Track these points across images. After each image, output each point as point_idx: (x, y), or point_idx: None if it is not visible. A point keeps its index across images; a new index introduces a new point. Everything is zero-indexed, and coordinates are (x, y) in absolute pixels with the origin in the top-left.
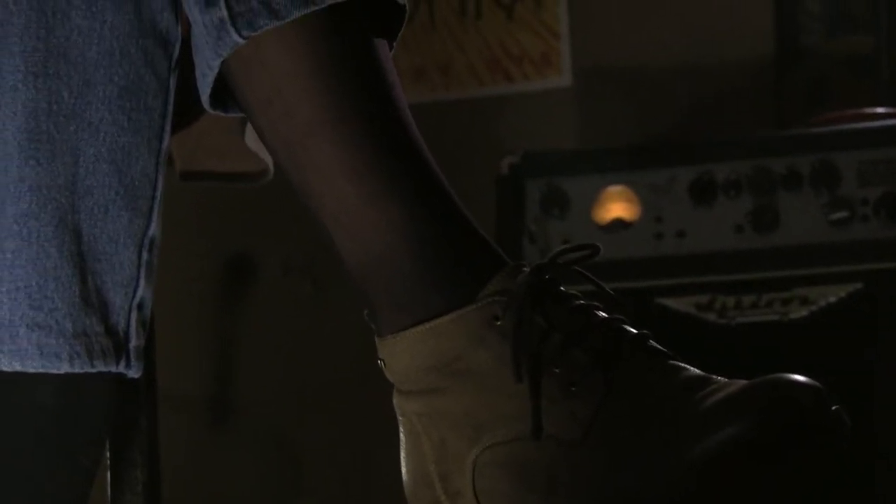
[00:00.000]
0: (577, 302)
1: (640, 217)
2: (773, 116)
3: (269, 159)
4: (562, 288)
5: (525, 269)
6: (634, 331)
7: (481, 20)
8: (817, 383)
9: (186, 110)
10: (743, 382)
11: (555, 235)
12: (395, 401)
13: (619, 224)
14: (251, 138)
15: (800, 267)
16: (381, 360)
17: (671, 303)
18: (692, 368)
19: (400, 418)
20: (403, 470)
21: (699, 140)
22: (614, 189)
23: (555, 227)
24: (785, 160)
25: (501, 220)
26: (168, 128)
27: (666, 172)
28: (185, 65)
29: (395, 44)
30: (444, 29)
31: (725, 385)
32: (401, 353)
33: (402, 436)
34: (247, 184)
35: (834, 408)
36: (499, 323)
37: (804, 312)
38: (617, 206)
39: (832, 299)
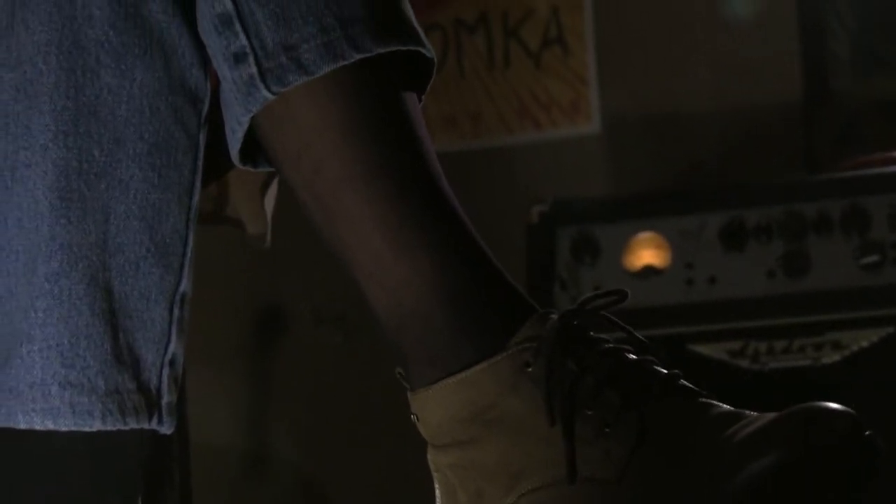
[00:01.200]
0: (607, 345)
1: (671, 263)
2: (802, 160)
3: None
4: (591, 333)
5: (554, 315)
6: (665, 371)
7: (510, 68)
8: (850, 409)
9: (215, 165)
10: (775, 414)
11: (586, 283)
12: (429, 456)
13: (649, 271)
14: (269, 199)
15: (831, 311)
16: (413, 415)
17: (703, 349)
18: (724, 405)
19: (434, 474)
20: None
21: (729, 185)
22: (645, 235)
23: (586, 274)
24: (815, 204)
25: (532, 268)
26: (198, 184)
27: (696, 218)
28: (214, 119)
29: (423, 96)
30: (474, 77)
31: (758, 417)
32: (434, 407)
33: (437, 492)
34: (245, 237)
35: (867, 433)
36: (530, 369)
37: (836, 357)
38: (647, 253)
39: (864, 344)
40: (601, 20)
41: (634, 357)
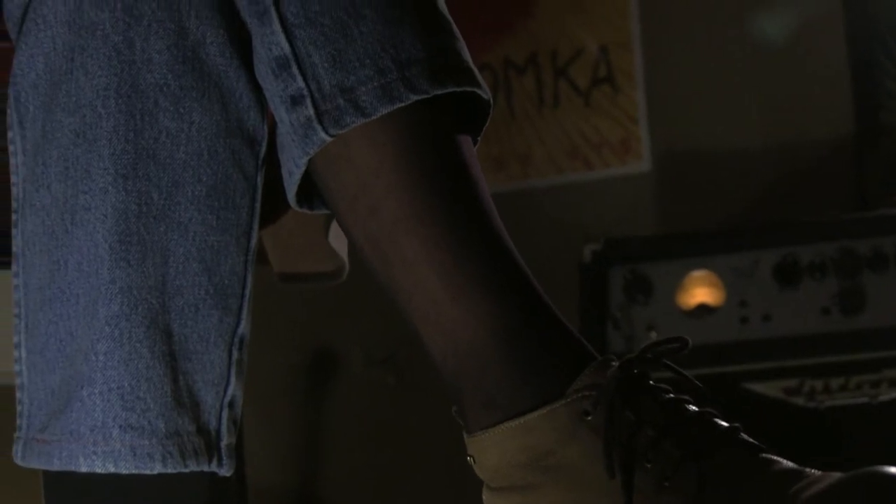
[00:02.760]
0: (667, 395)
1: (725, 301)
2: (855, 196)
3: (345, 255)
4: (651, 381)
5: (613, 363)
6: (726, 424)
7: (559, 108)
8: None
9: (273, 207)
10: (838, 475)
11: (639, 322)
12: (484, 497)
13: (703, 309)
14: (333, 236)
15: (888, 348)
16: (470, 456)
17: (759, 387)
18: (785, 461)
19: None
20: None
21: (781, 222)
22: (698, 274)
23: (639, 313)
24: (870, 241)
25: (585, 307)
26: (256, 226)
27: (749, 256)
28: (271, 161)
29: (479, 138)
30: (523, 118)
31: (820, 478)
32: (490, 450)
33: None
34: (325, 283)
35: None
36: (589, 418)
37: (894, 395)
38: (701, 291)
39: None
40: (650, 59)
41: (695, 409)
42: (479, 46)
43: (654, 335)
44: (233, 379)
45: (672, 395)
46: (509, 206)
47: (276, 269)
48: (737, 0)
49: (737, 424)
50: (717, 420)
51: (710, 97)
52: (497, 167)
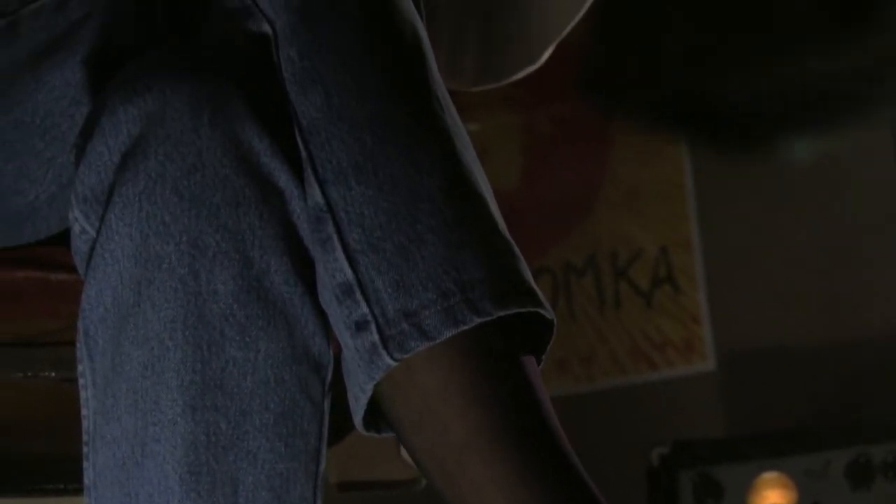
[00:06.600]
0: None
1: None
2: None
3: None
4: None
5: None
6: None
7: (621, 309)
8: None
9: (338, 428)
10: None
11: None
12: None
13: None
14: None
15: None
16: None
17: None
18: None
19: None
20: None
21: (852, 421)
22: (769, 476)
23: None
24: None
25: None
26: (324, 450)
27: (820, 456)
28: (336, 384)
29: (543, 358)
30: (585, 320)
31: None
32: None
33: None
34: (400, 490)
35: None
36: None
37: None
38: (773, 494)
39: None
40: (710, 258)
41: None
42: (537, 250)
43: None
44: None
45: None
46: (573, 409)
47: (334, 479)
48: (795, 200)
49: None
50: None
51: (771, 294)
52: (560, 369)
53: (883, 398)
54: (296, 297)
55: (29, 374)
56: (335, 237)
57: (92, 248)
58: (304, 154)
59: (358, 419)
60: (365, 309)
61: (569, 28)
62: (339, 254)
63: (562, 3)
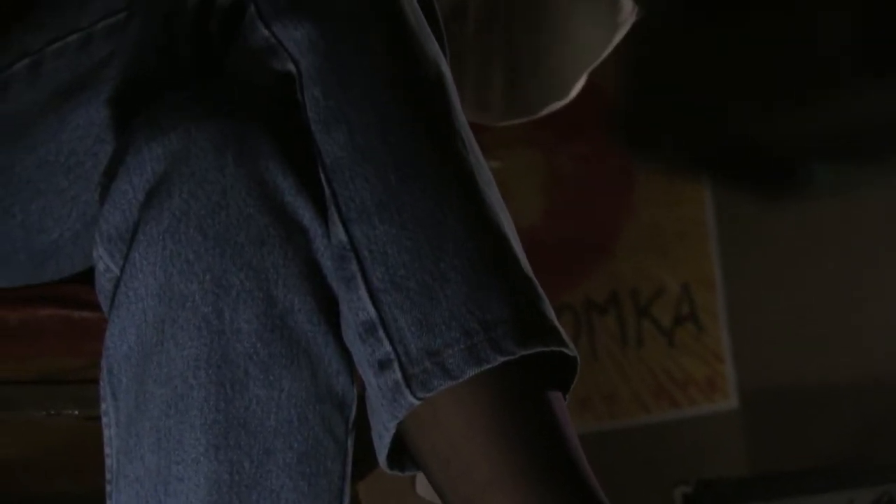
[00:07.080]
0: None
1: None
2: None
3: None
4: None
5: None
6: None
7: (643, 347)
8: None
9: (361, 466)
10: None
11: None
12: None
13: None
14: (421, 485)
15: None
16: None
17: None
18: None
19: None
20: None
21: (875, 459)
22: None
23: None
24: None
25: None
26: (347, 489)
27: (844, 495)
28: (360, 422)
29: (567, 395)
30: (607, 358)
31: None
32: None
33: None
34: None
35: None
36: None
37: None
38: None
39: None
40: (733, 296)
41: None
42: (558, 288)
43: None
44: None
45: None
46: (596, 447)
47: None
48: (817, 238)
49: None
50: None
51: (795, 333)
52: (582, 408)
53: None
54: (319, 336)
55: (52, 412)
56: (359, 275)
57: (116, 287)
58: (327, 192)
59: (382, 458)
60: (388, 347)
61: (595, 64)
62: (363, 292)
63: (588, 39)
